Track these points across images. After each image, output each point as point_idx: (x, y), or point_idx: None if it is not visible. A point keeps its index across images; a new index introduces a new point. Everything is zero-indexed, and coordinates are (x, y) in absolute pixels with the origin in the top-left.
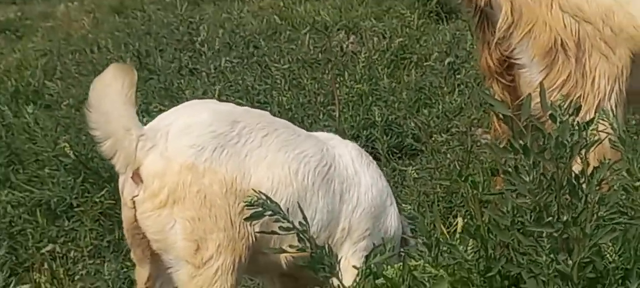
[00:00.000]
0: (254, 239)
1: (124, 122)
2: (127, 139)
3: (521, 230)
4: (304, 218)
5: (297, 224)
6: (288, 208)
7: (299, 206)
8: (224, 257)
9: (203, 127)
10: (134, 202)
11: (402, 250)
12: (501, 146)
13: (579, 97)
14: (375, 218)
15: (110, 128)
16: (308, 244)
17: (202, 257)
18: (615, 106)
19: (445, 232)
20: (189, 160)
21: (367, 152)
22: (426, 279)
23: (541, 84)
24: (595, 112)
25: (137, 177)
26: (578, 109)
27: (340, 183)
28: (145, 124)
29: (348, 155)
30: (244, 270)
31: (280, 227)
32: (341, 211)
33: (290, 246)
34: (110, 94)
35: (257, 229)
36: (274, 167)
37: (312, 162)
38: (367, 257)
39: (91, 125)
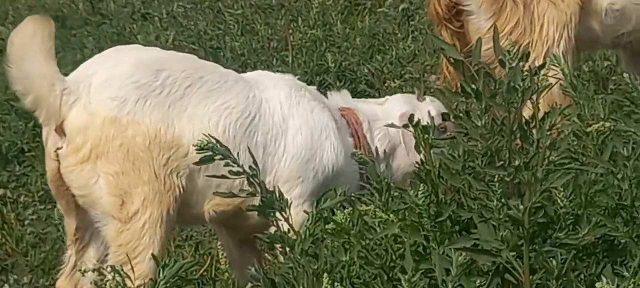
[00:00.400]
0: (180, 191)
1: (47, 78)
2: (51, 95)
3: (472, 175)
4: (254, 162)
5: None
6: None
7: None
8: (151, 210)
9: (125, 77)
10: (57, 155)
11: (352, 195)
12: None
13: (528, 44)
14: (307, 161)
15: (33, 85)
16: (258, 188)
17: (128, 212)
18: (564, 53)
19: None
20: (111, 113)
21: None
22: (376, 224)
23: (495, 28)
24: (544, 59)
25: (60, 129)
26: (527, 55)
27: (265, 134)
28: None
29: (276, 99)
30: (173, 222)
31: (230, 172)
32: (266, 163)
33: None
34: (30, 50)
35: (183, 181)
36: (195, 119)
37: (234, 113)
38: (318, 201)
39: (12, 80)
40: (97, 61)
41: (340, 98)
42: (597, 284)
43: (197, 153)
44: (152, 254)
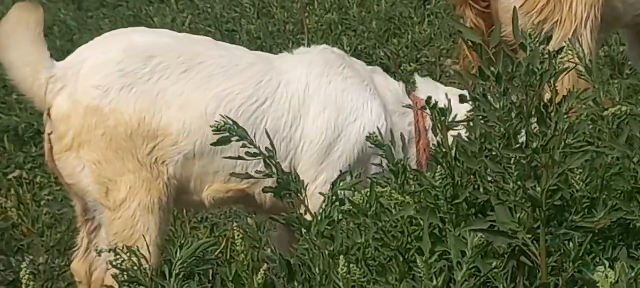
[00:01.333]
0: (171, 179)
1: (32, 67)
2: (35, 84)
3: (489, 158)
4: (271, 144)
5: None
6: (203, 151)
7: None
8: (140, 198)
9: (112, 65)
10: (50, 139)
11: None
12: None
13: (556, 22)
14: (330, 145)
15: (20, 74)
16: (274, 170)
17: (114, 200)
18: (591, 33)
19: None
20: (93, 103)
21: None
22: (393, 206)
23: (514, 10)
24: (573, 37)
25: (49, 115)
26: (549, 39)
27: (276, 119)
28: None
29: (303, 81)
30: (169, 209)
31: (246, 153)
32: (279, 149)
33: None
34: (16, 38)
35: (171, 170)
36: (188, 107)
37: (238, 100)
38: (333, 183)
39: (5, 69)
40: (89, 47)
41: (423, 84)
42: (599, 268)
43: (214, 134)
44: (151, 240)
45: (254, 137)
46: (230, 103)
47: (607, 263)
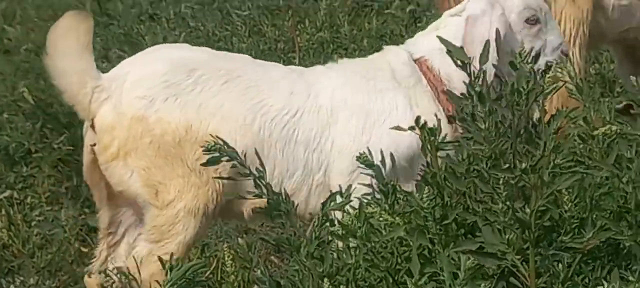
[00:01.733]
0: (220, 185)
1: (78, 76)
2: (81, 92)
3: (477, 178)
4: (261, 164)
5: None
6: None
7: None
8: (186, 201)
9: (156, 77)
10: (93, 151)
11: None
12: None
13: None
14: (357, 152)
15: (66, 81)
16: (264, 190)
17: (163, 200)
18: (579, 50)
19: None
20: (138, 113)
21: None
22: (382, 226)
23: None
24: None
25: (93, 126)
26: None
27: (308, 130)
28: (106, 70)
29: (329, 89)
30: (214, 216)
31: (238, 173)
32: (311, 160)
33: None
34: (65, 46)
35: (222, 175)
36: (229, 118)
37: (272, 111)
38: (323, 204)
39: (51, 75)
40: (133, 60)
41: (413, 47)
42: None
43: (203, 154)
44: (184, 241)
45: (288, 147)
46: (266, 115)
47: (606, 284)
